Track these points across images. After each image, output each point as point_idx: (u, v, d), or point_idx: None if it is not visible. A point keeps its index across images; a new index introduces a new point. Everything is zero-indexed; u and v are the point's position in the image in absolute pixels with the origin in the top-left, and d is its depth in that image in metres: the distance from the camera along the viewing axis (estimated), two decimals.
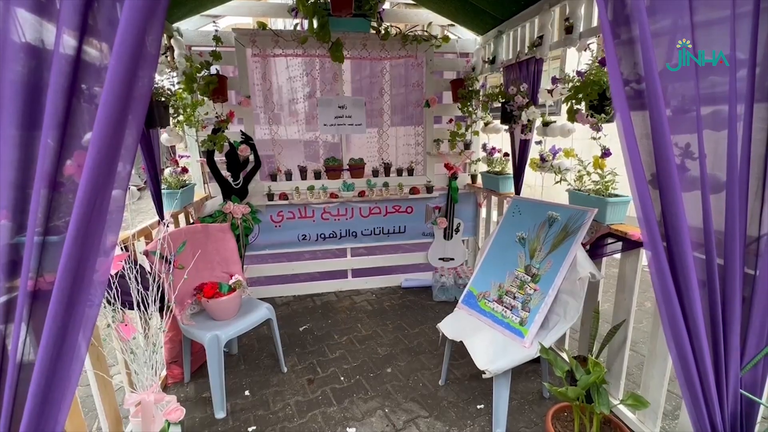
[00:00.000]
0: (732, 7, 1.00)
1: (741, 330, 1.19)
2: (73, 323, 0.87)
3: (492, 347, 1.78)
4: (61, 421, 0.89)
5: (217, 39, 2.59)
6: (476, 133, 3.26)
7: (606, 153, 1.77)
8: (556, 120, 2.34)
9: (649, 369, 1.75)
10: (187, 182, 2.61)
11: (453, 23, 3.13)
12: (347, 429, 1.90)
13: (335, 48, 2.77)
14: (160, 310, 1.73)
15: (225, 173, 2.84)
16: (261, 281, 3.39)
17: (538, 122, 2.39)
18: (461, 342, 1.87)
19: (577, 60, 2.02)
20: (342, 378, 2.29)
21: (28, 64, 0.80)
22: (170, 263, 1.96)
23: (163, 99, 2.17)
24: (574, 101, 1.84)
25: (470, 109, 3.07)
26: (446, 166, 3.22)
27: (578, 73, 1.74)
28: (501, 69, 2.78)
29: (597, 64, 1.73)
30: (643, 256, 1.80)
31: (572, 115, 1.82)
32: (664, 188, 1.04)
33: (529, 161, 2.28)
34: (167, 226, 2.21)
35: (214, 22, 2.68)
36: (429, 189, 3.33)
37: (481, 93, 2.97)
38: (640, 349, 2.48)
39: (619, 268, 1.90)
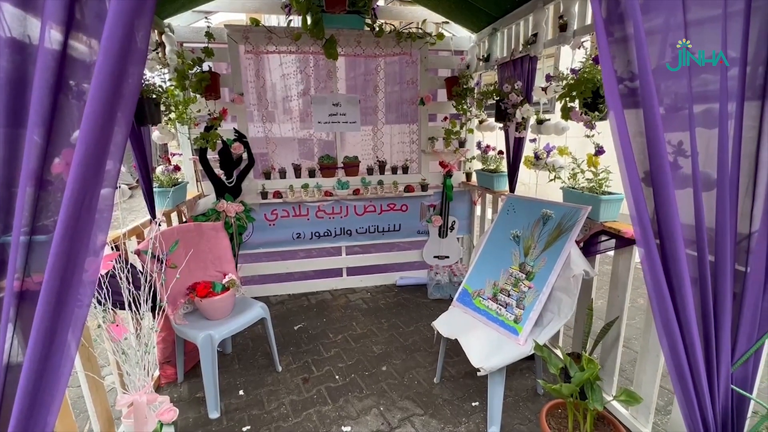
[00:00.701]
0: (723, 6, 1.00)
1: (732, 326, 1.20)
2: (63, 323, 0.86)
3: (487, 345, 1.78)
4: (51, 423, 0.88)
5: (209, 35, 2.56)
6: (471, 131, 3.26)
7: (599, 151, 1.78)
8: (551, 118, 2.35)
9: (641, 365, 1.76)
10: (179, 180, 2.59)
11: (448, 21, 3.13)
12: (342, 428, 1.89)
13: (329, 45, 2.76)
14: (152, 310, 1.71)
15: (218, 171, 2.82)
16: (255, 280, 3.37)
17: (532, 120, 2.40)
18: (456, 340, 1.87)
19: (572, 58, 2.02)
20: (337, 377, 2.28)
21: (13, 59, 0.78)
22: (162, 262, 1.94)
23: (154, 96, 2.14)
24: (567, 99, 1.84)
25: (465, 106, 3.07)
26: (441, 164, 3.22)
27: (572, 70, 1.75)
28: (495, 67, 2.79)
29: (591, 61, 1.73)
30: (637, 254, 1.82)
31: (566, 113, 1.83)
32: (658, 186, 1.05)
33: (523, 159, 2.28)
34: (159, 225, 2.19)
35: (206, 18, 2.65)
36: (424, 187, 3.33)
37: (475, 91, 2.97)
38: (633, 345, 2.50)
39: (612, 265, 1.91)
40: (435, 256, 3.48)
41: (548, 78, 2.00)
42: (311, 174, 3.21)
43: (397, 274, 3.59)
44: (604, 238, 1.91)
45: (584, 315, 1.94)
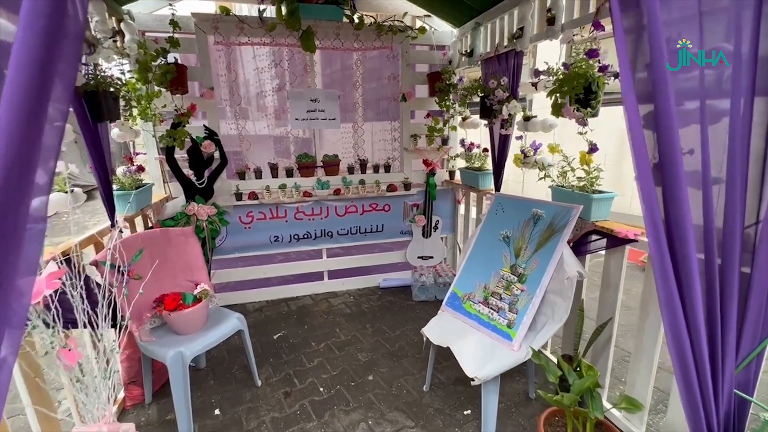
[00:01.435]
0: None
1: (736, 328, 1.16)
2: None
3: (480, 352, 1.70)
4: None
5: (174, 24, 2.35)
6: (454, 128, 3.19)
7: (593, 148, 1.73)
8: (537, 115, 2.29)
9: (635, 365, 1.73)
10: (143, 182, 2.37)
11: (429, 14, 3.03)
12: None
13: (306, 37, 2.60)
14: (114, 327, 1.53)
15: (187, 172, 2.61)
16: (230, 287, 3.17)
17: (518, 117, 2.34)
18: (445, 346, 1.79)
19: (558, 54, 1.97)
20: (321, 389, 2.15)
21: None
22: (124, 274, 1.75)
23: (112, 89, 1.93)
24: (558, 95, 1.78)
25: (448, 103, 2.99)
26: (425, 162, 3.13)
27: (564, 65, 1.68)
28: (479, 62, 2.71)
29: (584, 56, 1.67)
30: (627, 253, 1.78)
31: (557, 109, 1.76)
32: (669, 185, 0.98)
33: (512, 157, 2.21)
34: (121, 231, 1.99)
35: (170, 4, 2.43)
36: (407, 186, 3.23)
37: (459, 87, 2.89)
38: (620, 344, 2.50)
39: (603, 265, 1.87)
40: (419, 257, 3.39)
41: (536, 73, 1.94)
42: (289, 174, 3.05)
43: (380, 276, 3.48)
44: (594, 237, 1.87)
45: (575, 316, 1.89)
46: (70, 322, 1.36)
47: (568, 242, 1.88)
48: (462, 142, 3.06)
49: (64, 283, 1.29)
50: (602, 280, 1.88)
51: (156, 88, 2.32)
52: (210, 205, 2.64)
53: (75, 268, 1.41)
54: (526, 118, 2.27)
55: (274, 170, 3.02)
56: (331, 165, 3.11)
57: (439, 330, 1.94)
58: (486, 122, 2.57)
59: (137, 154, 2.48)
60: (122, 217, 2.01)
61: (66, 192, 1.69)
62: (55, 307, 1.27)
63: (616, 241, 1.73)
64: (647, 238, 1.01)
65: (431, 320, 2.03)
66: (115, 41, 2.11)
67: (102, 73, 1.86)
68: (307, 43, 2.59)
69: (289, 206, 3.05)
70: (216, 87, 2.77)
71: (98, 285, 1.48)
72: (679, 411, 1.51)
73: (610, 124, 2.86)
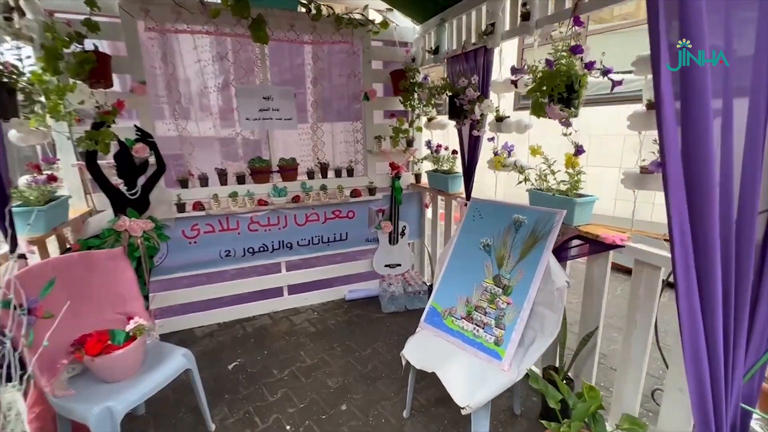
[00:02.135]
0: None
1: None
2: None
3: (468, 376, 1.54)
4: None
5: (91, 3, 1.95)
6: (419, 129, 3.05)
7: (579, 150, 1.65)
8: (510, 115, 2.20)
9: (622, 377, 1.67)
10: (56, 194, 1.95)
11: (391, 8, 2.85)
12: None
13: (256, 26, 2.30)
14: (22, 377, 1.17)
15: (115, 181, 2.20)
16: (174, 310, 2.77)
17: (490, 117, 2.23)
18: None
19: (533, 52, 1.88)
20: (288, 427, 1.88)
21: None
22: (29, 313, 1.38)
23: (5, 80, 1.52)
24: (539, 94, 1.68)
25: (413, 103, 2.83)
26: (390, 165, 2.94)
27: (548, 62, 1.58)
28: (445, 60, 2.58)
29: (562, 53, 1.58)
30: (611, 258, 1.72)
31: (539, 109, 1.66)
32: (694, 190, 0.87)
33: (492, 160, 2.09)
34: (25, 258, 1.59)
35: None
36: (371, 190, 3.03)
37: (424, 85, 2.74)
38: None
39: (586, 271, 1.81)
40: (386, 265, 3.21)
41: (514, 71, 1.83)
42: (240, 180, 2.72)
43: (345, 288, 3.24)
44: (576, 242, 1.79)
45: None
46: None
47: None
48: (428, 143, 2.92)
49: None
50: (585, 287, 1.82)
51: (71, 81, 1.92)
52: (146, 219, 2.24)
53: None
54: (499, 119, 2.17)
55: (222, 176, 2.67)
56: (289, 170, 2.83)
57: (421, 351, 1.76)
58: (455, 123, 2.45)
59: (47, 160, 2.04)
60: (26, 239, 1.60)
61: None
62: None
63: (601, 247, 1.65)
64: (674, 250, 0.89)
65: (410, 340, 1.84)
66: (8, 19, 1.68)
67: None
68: (257, 34, 2.30)
69: (241, 217, 2.72)
70: (150, 82, 2.38)
71: None
72: (671, 420, 1.46)
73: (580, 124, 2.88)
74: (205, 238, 2.66)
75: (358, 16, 2.69)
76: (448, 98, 2.45)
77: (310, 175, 2.92)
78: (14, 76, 1.56)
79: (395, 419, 1.91)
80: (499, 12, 2.07)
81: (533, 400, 2.00)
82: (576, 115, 1.63)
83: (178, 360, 1.69)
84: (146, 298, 2.13)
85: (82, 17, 1.97)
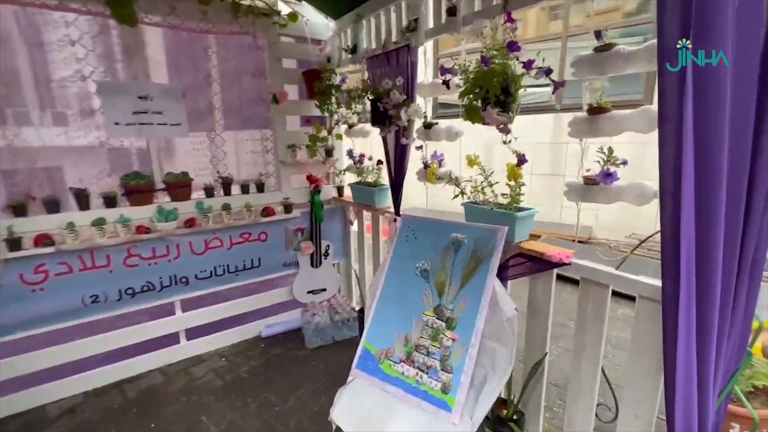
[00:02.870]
0: None
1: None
2: None
3: None
4: None
5: None
6: (340, 137, 2.73)
7: (522, 160, 1.47)
8: (438, 122, 2.00)
9: (574, 402, 1.53)
10: None
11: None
12: None
13: (119, 3, 1.77)
14: None
15: None
16: (16, 384, 2.01)
17: (418, 124, 2.01)
18: None
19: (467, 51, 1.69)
20: None
21: None
22: None
23: None
24: (471, 96, 1.48)
25: (331, 107, 2.51)
26: (308, 177, 2.57)
27: (483, 59, 1.38)
28: (364, 60, 2.32)
29: (497, 50, 1.40)
30: (555, 277, 1.59)
31: (474, 114, 1.46)
32: (702, 204, 0.69)
33: (422, 171, 1.86)
34: None
35: None
36: (287, 208, 2.62)
37: (342, 88, 2.44)
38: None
39: (529, 291, 1.65)
40: (309, 291, 2.81)
41: (443, 71, 1.61)
42: (110, 202, 2.10)
43: (261, 323, 2.75)
44: (518, 261, 1.63)
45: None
46: None
47: None
48: (350, 152, 2.62)
49: None
50: (528, 309, 1.66)
51: None
52: None
53: None
54: (428, 125, 1.96)
55: (81, 198, 2.03)
56: (179, 186, 2.28)
57: (354, 409, 1.42)
58: (380, 130, 2.18)
59: None
60: None
61: None
62: None
63: (546, 265, 1.50)
64: (681, 269, 0.70)
65: (340, 393, 1.49)
66: None
67: None
68: (121, 12, 1.77)
69: (113, 250, 2.09)
70: None
71: None
72: None
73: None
74: (58, 282, 1.98)
75: (260, 4, 2.28)
76: (370, 102, 2.18)
77: (209, 192, 2.40)
78: None
79: None
80: (421, 7, 1.86)
81: None
82: (512, 121, 1.46)
83: None
84: None
85: None
